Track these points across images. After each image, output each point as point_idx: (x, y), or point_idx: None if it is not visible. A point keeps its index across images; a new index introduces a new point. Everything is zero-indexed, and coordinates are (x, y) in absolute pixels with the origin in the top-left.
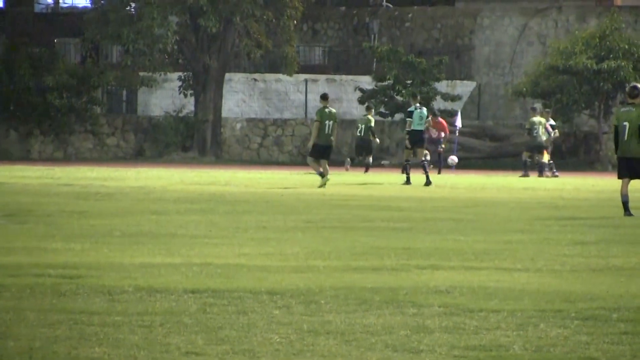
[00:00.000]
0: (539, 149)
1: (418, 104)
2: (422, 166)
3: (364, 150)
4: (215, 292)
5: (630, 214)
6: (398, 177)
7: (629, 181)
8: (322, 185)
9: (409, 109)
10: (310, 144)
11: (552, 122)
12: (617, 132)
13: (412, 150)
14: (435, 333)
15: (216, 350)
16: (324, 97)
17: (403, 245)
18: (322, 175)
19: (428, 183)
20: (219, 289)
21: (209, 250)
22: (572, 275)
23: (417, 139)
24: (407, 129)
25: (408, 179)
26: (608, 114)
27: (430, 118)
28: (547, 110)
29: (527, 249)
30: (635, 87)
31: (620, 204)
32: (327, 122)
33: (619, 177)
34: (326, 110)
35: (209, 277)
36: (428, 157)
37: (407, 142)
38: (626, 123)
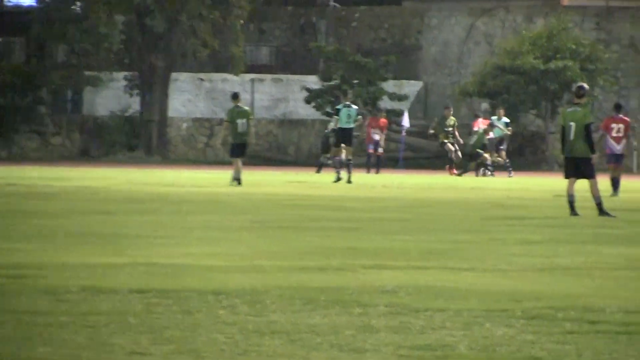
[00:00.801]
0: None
1: (348, 102)
2: (346, 165)
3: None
4: (160, 292)
5: (576, 214)
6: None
7: (575, 181)
8: (233, 184)
9: (336, 107)
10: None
11: (505, 119)
12: (564, 132)
13: (339, 148)
14: (381, 333)
15: (161, 350)
16: (234, 97)
17: (349, 245)
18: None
19: (349, 181)
20: (165, 289)
21: (155, 250)
22: (519, 275)
23: (345, 136)
24: (333, 127)
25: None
26: (555, 113)
27: (361, 117)
28: (499, 109)
29: (473, 248)
30: (581, 87)
31: (567, 204)
32: (238, 120)
33: (565, 177)
34: (236, 109)
35: (154, 277)
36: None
37: (334, 139)
38: (572, 123)
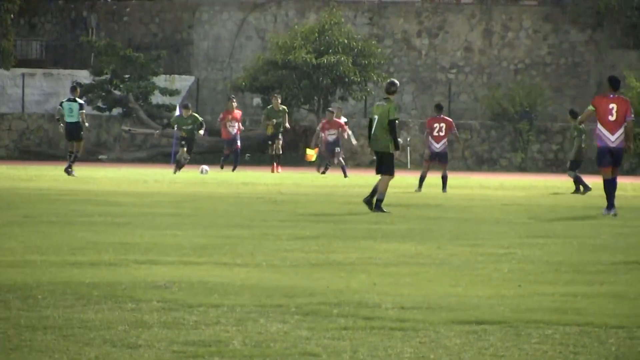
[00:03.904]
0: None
1: (72, 97)
2: (73, 158)
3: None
4: None
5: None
6: (115, 172)
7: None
8: None
9: (61, 101)
10: None
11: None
12: (370, 124)
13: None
14: (154, 328)
15: None
16: None
17: (121, 240)
18: None
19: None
20: None
21: None
22: (292, 270)
23: (71, 130)
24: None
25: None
26: (327, 108)
27: (84, 112)
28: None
29: (246, 243)
30: (392, 83)
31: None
32: None
33: (376, 173)
34: None
35: None
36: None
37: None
38: (376, 116)
